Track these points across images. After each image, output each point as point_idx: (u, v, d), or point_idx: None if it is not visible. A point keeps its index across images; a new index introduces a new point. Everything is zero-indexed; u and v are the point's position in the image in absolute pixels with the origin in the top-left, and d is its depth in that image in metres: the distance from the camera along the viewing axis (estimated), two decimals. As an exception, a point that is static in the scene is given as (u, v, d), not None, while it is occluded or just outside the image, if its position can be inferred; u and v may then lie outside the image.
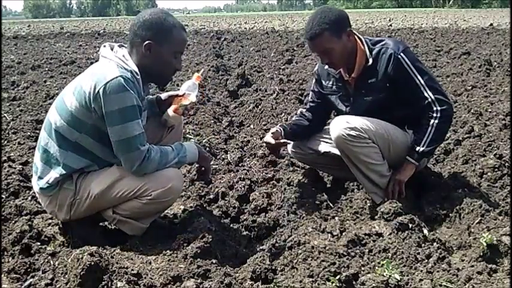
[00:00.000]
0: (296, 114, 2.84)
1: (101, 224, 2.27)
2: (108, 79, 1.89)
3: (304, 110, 2.76)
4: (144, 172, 2.00)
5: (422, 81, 2.35)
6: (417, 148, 2.39)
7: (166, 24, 2.02)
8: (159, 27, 2.01)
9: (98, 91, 1.89)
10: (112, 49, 2.06)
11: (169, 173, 2.04)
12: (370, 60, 2.38)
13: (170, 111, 2.30)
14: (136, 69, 1.99)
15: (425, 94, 2.35)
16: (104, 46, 2.08)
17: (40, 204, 2.44)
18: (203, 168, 2.28)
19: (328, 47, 2.33)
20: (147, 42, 1.99)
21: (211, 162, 2.27)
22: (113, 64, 1.97)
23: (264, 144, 2.62)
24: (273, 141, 2.57)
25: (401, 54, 2.34)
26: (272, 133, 2.59)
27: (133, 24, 2.04)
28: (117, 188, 2.01)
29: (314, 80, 2.70)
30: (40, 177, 2.04)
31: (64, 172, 2.00)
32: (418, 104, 2.38)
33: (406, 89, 2.37)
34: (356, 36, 2.43)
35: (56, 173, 2.00)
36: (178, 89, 2.36)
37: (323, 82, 2.62)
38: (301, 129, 2.71)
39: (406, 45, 2.42)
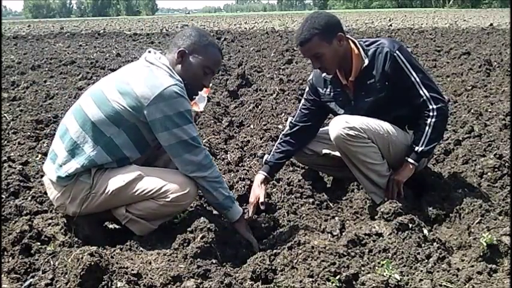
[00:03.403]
0: (283, 133, 2.74)
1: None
2: (166, 86, 1.96)
3: (294, 121, 2.70)
4: (202, 175, 2.03)
5: (417, 79, 2.35)
6: (416, 148, 2.39)
7: (203, 40, 2.14)
8: (197, 40, 2.13)
9: (156, 97, 1.94)
10: (155, 53, 2.14)
11: (188, 178, 2.06)
12: (366, 61, 2.38)
13: None
14: (181, 79, 2.07)
15: (421, 92, 2.36)
16: (149, 52, 2.16)
17: (40, 205, 2.45)
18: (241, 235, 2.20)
19: (318, 51, 2.33)
20: (180, 49, 2.10)
21: (250, 236, 2.17)
22: (164, 72, 2.04)
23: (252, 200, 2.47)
24: (260, 198, 2.45)
25: (397, 52, 2.34)
26: (256, 195, 2.46)
27: (176, 37, 2.18)
28: (136, 186, 2.02)
29: (307, 89, 2.68)
30: (60, 165, 2.03)
31: (87, 165, 2.00)
32: (414, 103, 2.39)
33: (403, 88, 2.37)
34: (350, 40, 2.43)
35: (77, 163, 2.00)
36: None
37: (319, 90, 2.60)
38: (289, 153, 2.68)
39: (401, 44, 2.43)
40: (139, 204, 2.04)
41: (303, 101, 2.73)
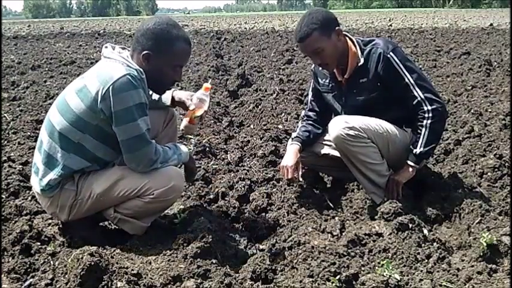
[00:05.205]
0: (302, 118, 2.81)
1: (100, 224, 2.27)
2: (116, 78, 1.88)
3: (307, 111, 2.76)
4: (151, 168, 2.01)
5: (411, 80, 2.35)
6: (414, 150, 2.39)
7: (168, 37, 2.00)
8: (161, 38, 1.99)
9: (107, 90, 1.88)
10: (114, 49, 2.06)
11: (171, 172, 2.05)
12: (362, 60, 2.40)
13: (185, 122, 2.28)
14: (141, 69, 1.98)
15: (415, 93, 2.36)
16: (106, 47, 2.07)
17: (40, 205, 2.45)
18: (190, 169, 2.30)
19: (318, 46, 2.35)
20: (145, 52, 1.98)
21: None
22: (118, 64, 1.96)
23: (285, 175, 2.55)
24: (295, 174, 2.53)
25: (391, 53, 2.35)
26: (291, 165, 2.51)
27: (138, 30, 2.04)
28: (119, 187, 2.01)
29: (313, 79, 2.72)
30: (41, 179, 2.03)
31: (63, 173, 1.99)
32: (409, 104, 2.39)
33: (397, 89, 2.38)
34: (347, 38, 2.44)
35: (55, 174, 2.00)
36: (184, 89, 2.35)
37: (319, 80, 2.65)
38: (314, 134, 2.68)
39: (396, 45, 2.43)
40: (126, 203, 2.04)
41: (311, 92, 2.76)
